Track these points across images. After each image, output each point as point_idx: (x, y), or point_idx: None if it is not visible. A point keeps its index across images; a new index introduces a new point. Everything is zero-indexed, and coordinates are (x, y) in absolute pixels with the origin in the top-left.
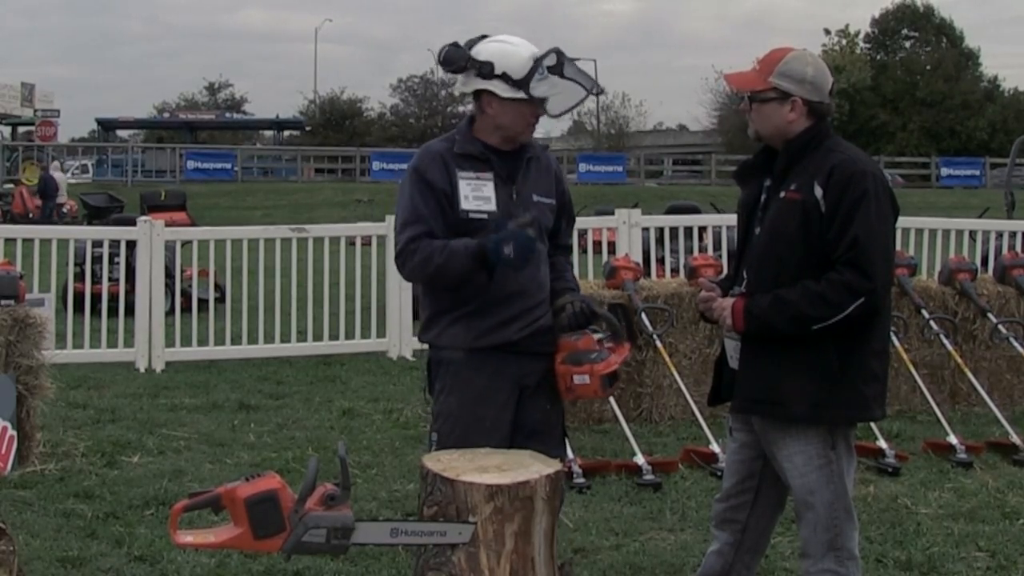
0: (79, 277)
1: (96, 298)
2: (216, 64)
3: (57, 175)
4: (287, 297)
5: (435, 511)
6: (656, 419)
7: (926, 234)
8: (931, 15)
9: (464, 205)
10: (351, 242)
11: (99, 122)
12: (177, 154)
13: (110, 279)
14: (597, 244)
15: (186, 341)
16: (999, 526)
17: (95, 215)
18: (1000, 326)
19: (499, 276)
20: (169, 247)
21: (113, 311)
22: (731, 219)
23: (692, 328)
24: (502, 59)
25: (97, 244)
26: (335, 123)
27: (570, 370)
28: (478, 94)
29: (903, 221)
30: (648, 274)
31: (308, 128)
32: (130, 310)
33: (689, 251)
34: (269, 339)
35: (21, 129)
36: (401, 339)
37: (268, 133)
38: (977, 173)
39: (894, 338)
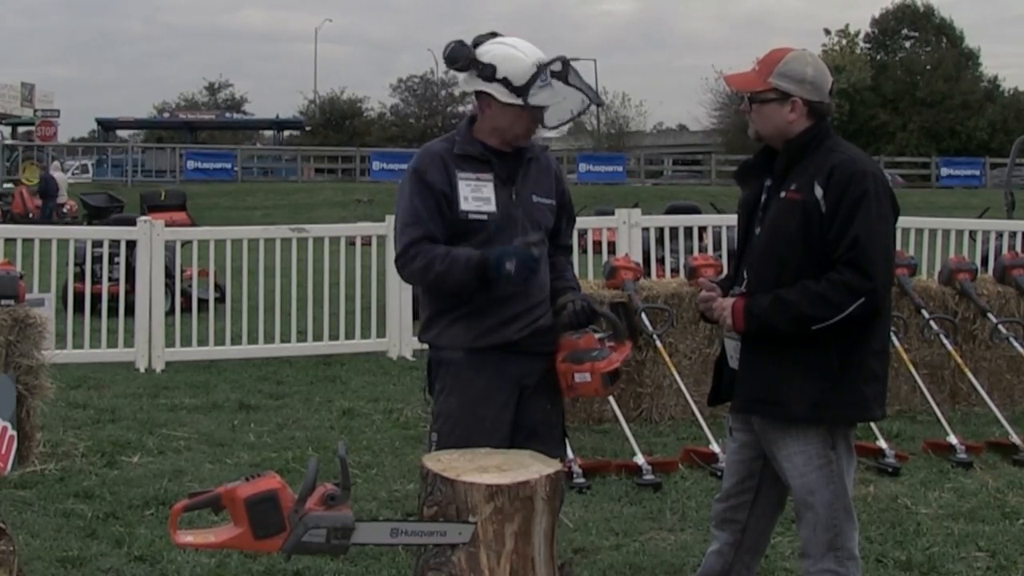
0: (79, 277)
1: (96, 298)
2: (216, 64)
3: (57, 175)
4: (287, 297)
5: (435, 511)
6: (656, 419)
7: (926, 234)
8: (931, 15)
9: (464, 206)
10: (351, 242)
11: (99, 122)
12: (177, 154)
13: (110, 279)
14: (597, 244)
15: (186, 341)
16: (999, 526)
17: (95, 215)
18: (1000, 326)
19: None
20: (169, 247)
21: (113, 311)
22: (731, 219)
23: (692, 328)
24: (504, 63)
25: (97, 244)
26: (335, 123)
27: (571, 368)
28: (479, 94)
29: (903, 221)
30: (648, 274)
31: (308, 128)
32: (130, 310)
33: (689, 251)
34: (269, 339)
35: (21, 129)
36: (401, 339)
37: (268, 133)
38: (977, 173)
39: (894, 338)
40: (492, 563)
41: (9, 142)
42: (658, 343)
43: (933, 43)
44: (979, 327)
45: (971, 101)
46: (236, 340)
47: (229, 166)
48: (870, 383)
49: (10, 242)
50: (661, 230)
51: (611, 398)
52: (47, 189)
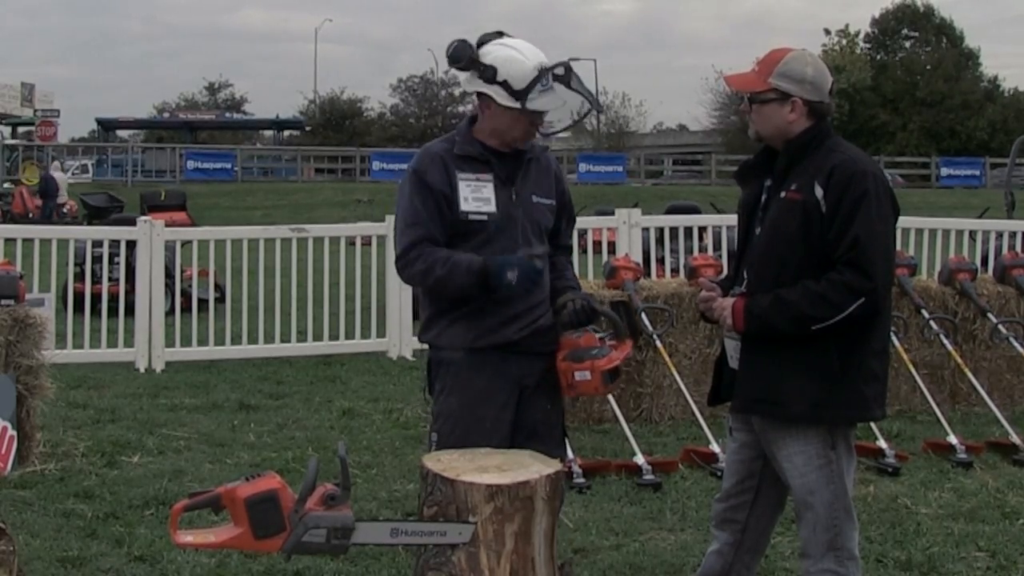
0: (79, 277)
1: (96, 298)
2: (216, 64)
3: (57, 175)
4: (287, 297)
5: (435, 511)
6: (656, 419)
7: (926, 234)
8: (931, 15)
9: (464, 207)
10: (351, 242)
11: (99, 122)
12: (177, 154)
13: (110, 279)
14: (597, 244)
15: (186, 341)
16: (999, 526)
17: (95, 215)
18: (1000, 326)
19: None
20: (169, 247)
21: (113, 311)
22: (731, 219)
23: (692, 328)
24: (505, 66)
25: (97, 244)
26: (335, 123)
27: (571, 367)
28: (480, 95)
29: (903, 221)
30: (648, 274)
31: (308, 128)
32: (130, 310)
33: (689, 251)
34: (269, 339)
35: (21, 129)
36: (401, 339)
37: (268, 133)
38: (977, 173)
39: (894, 338)
40: (492, 563)
41: (9, 142)
42: (658, 343)
43: (933, 43)
44: (979, 327)
45: (971, 101)
46: (236, 340)
47: (229, 166)
48: (870, 383)
49: (10, 242)
50: (661, 230)
51: (611, 398)
52: (47, 189)
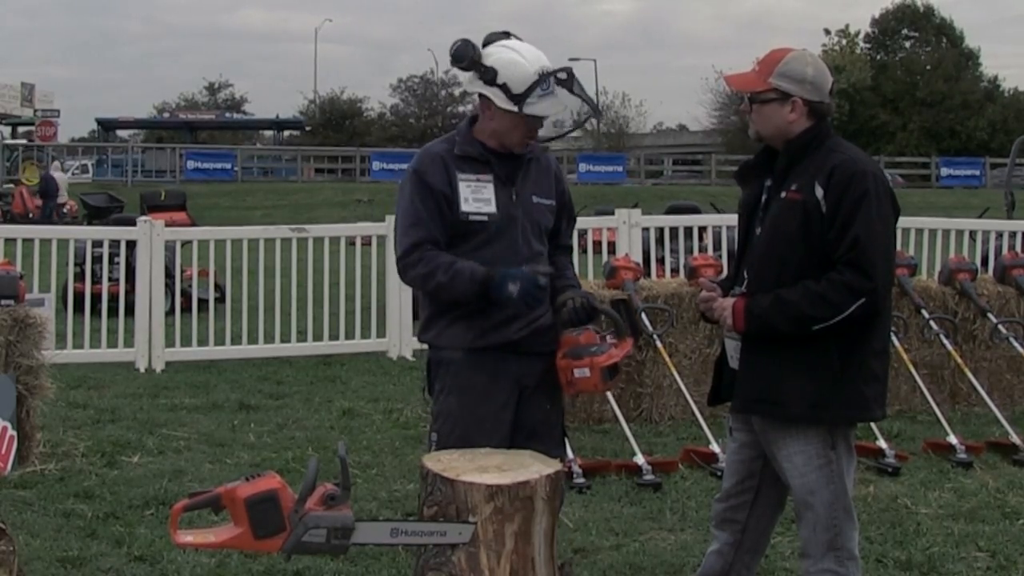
0: (79, 277)
1: (96, 298)
2: (216, 64)
3: (57, 175)
4: (287, 297)
5: (435, 511)
6: (656, 419)
7: (926, 234)
8: (931, 15)
9: (464, 207)
10: (351, 242)
11: (99, 122)
12: (177, 154)
13: (110, 279)
14: (597, 244)
15: (186, 341)
16: (999, 526)
17: (95, 215)
18: (1000, 326)
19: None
20: (169, 247)
21: (113, 311)
22: (731, 219)
23: (692, 328)
24: (505, 69)
25: (97, 244)
26: (335, 123)
27: (571, 364)
28: (481, 96)
29: (903, 221)
30: (648, 274)
31: (308, 128)
32: (130, 310)
33: (689, 251)
34: (269, 339)
35: (21, 129)
36: (401, 339)
37: (268, 133)
38: (977, 173)
39: (894, 338)
40: (492, 563)
41: (9, 142)
42: (658, 343)
43: (933, 43)
44: (979, 327)
45: (971, 101)
46: (236, 340)
47: (229, 166)
48: (870, 383)
49: (10, 242)
50: (661, 230)
51: (611, 398)
52: (47, 189)
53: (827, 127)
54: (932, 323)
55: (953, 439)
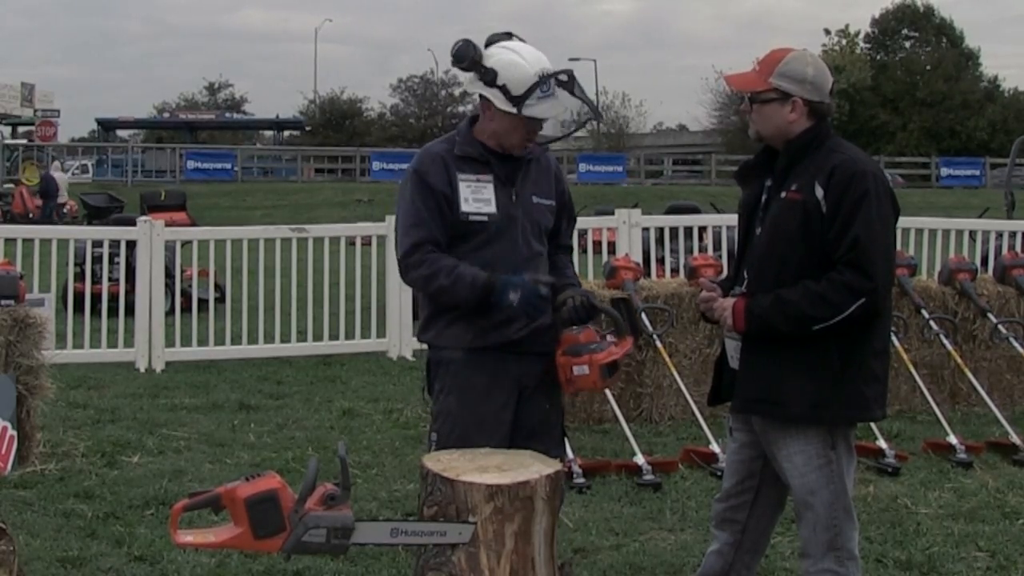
0: (79, 277)
1: (96, 298)
2: (216, 64)
3: (58, 175)
4: (287, 297)
5: (435, 511)
6: (656, 419)
7: (926, 234)
8: (931, 15)
9: (464, 207)
10: (351, 242)
11: (99, 122)
12: (177, 154)
13: (110, 279)
14: (597, 244)
15: (186, 341)
16: (999, 526)
17: (95, 215)
18: (1000, 326)
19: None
20: (169, 247)
21: (113, 311)
22: (731, 219)
23: (692, 328)
24: (505, 70)
25: (97, 244)
26: (335, 123)
27: (570, 361)
28: (481, 96)
29: (903, 221)
30: (648, 274)
31: (308, 128)
32: (130, 310)
33: (689, 251)
34: (269, 339)
35: (21, 129)
36: (401, 339)
37: (268, 133)
38: (977, 173)
39: (894, 338)
40: (492, 563)
41: (9, 142)
42: (658, 343)
43: (933, 43)
44: (979, 327)
45: (971, 101)
46: (236, 340)
47: (229, 166)
48: (870, 383)
49: (10, 242)
50: (661, 230)
51: (611, 398)
52: (47, 189)
53: (827, 127)
54: (932, 323)
55: (953, 439)
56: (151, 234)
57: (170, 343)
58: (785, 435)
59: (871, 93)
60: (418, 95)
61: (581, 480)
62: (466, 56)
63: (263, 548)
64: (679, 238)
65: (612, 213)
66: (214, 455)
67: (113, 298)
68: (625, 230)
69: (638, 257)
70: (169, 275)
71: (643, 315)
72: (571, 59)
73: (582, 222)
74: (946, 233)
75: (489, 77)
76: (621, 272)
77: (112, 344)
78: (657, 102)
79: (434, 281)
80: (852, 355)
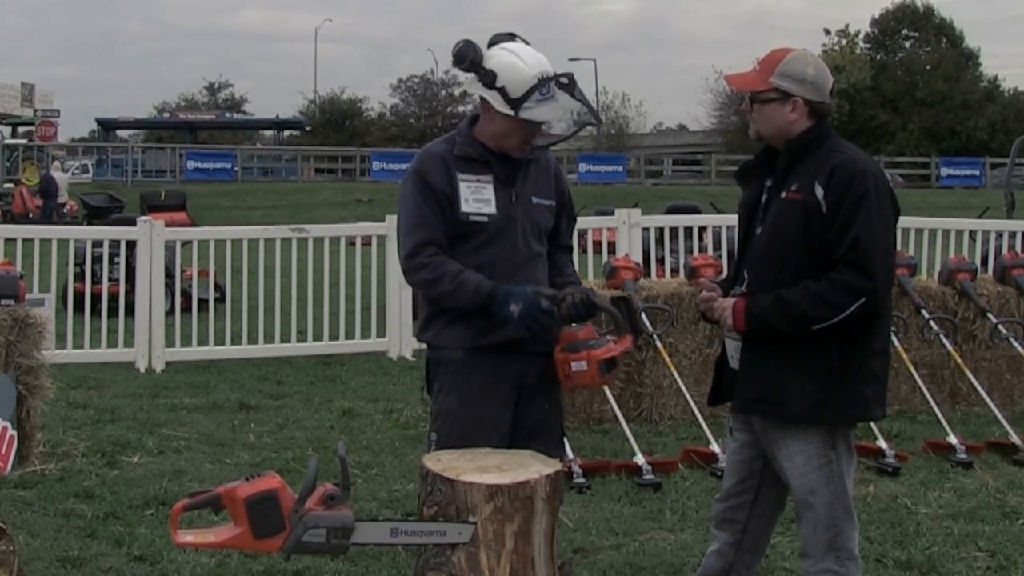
0: (79, 277)
1: (96, 298)
2: (216, 64)
3: (58, 175)
4: (287, 297)
5: (435, 511)
6: (656, 419)
7: (926, 234)
8: (931, 15)
9: (464, 208)
10: (351, 242)
11: (99, 122)
12: (177, 154)
13: (110, 279)
14: (597, 244)
15: (186, 341)
16: (999, 526)
17: (95, 215)
18: (1000, 326)
19: (496, 278)
20: (169, 247)
21: (113, 311)
22: (731, 219)
23: (692, 328)
24: (505, 72)
25: (97, 244)
26: (335, 123)
27: (568, 357)
28: (481, 97)
29: (903, 221)
30: (648, 274)
31: (308, 128)
32: (130, 310)
33: (689, 251)
34: (269, 339)
35: (21, 129)
36: (401, 339)
37: (268, 133)
38: (977, 173)
39: (894, 338)
40: (492, 563)
41: (9, 142)
42: (658, 343)
43: (933, 43)
44: (979, 327)
45: (971, 101)
46: (236, 340)
47: (229, 166)
48: (870, 383)
49: (10, 242)
50: (661, 230)
51: (611, 397)
52: (47, 189)
53: (827, 127)
54: (932, 323)
55: (953, 439)
56: (151, 234)
57: (170, 343)
58: (785, 435)
59: (871, 93)
60: (418, 95)
61: (581, 480)
62: (466, 57)
63: (263, 548)
64: (679, 238)
65: (612, 213)
66: (214, 455)
67: (113, 298)
68: (625, 230)
69: (638, 257)
70: (169, 275)
71: (643, 315)
72: (571, 59)
73: (582, 222)
74: (946, 233)
75: (488, 79)
76: (621, 272)
77: (112, 344)
78: (657, 102)
79: (438, 286)
80: (852, 355)
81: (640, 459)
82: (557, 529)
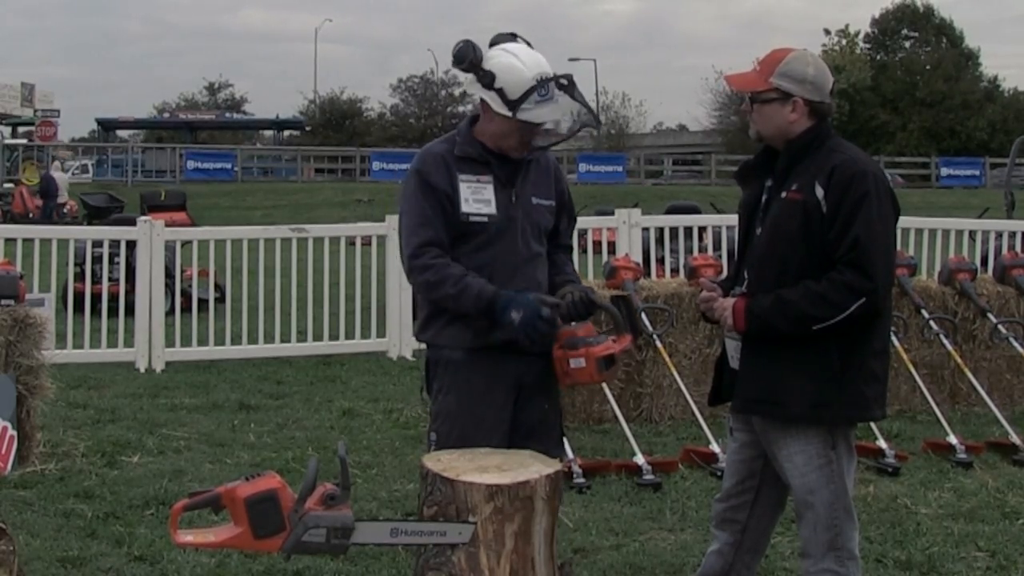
0: (79, 277)
1: (96, 298)
2: (216, 64)
3: (58, 175)
4: (287, 297)
5: (435, 511)
6: (656, 419)
7: (926, 234)
8: (931, 15)
9: (464, 208)
10: (351, 242)
11: (99, 122)
12: (177, 154)
13: (110, 279)
14: (597, 244)
15: (186, 341)
16: (999, 526)
17: (95, 215)
18: (1000, 326)
19: (496, 278)
20: (169, 247)
21: (113, 311)
22: (731, 219)
23: (692, 328)
24: (503, 73)
25: (97, 244)
26: (335, 123)
27: (566, 354)
28: (480, 97)
29: (903, 221)
30: (648, 274)
31: (308, 128)
32: (130, 310)
33: (689, 251)
34: (269, 339)
35: (21, 129)
36: (401, 339)
37: (268, 133)
38: (977, 173)
39: (894, 338)
40: (492, 563)
41: (9, 142)
42: (658, 343)
43: (933, 43)
44: (979, 327)
45: (971, 101)
46: (236, 340)
47: (229, 166)
48: (870, 383)
49: (10, 242)
50: (661, 230)
51: (611, 397)
52: (47, 189)
53: (828, 127)
54: (932, 323)
55: (953, 439)
56: (151, 234)
57: (170, 343)
58: (785, 435)
59: (871, 93)
60: (418, 95)
61: (581, 480)
62: (466, 57)
63: (263, 548)
64: (679, 238)
65: (612, 213)
66: (214, 455)
67: (113, 298)
68: (625, 230)
69: (638, 257)
70: (169, 275)
71: (643, 315)
72: (571, 59)
73: (582, 222)
74: (946, 233)
75: (487, 80)
76: (621, 272)
77: (112, 344)
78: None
79: (441, 288)
80: (852, 355)
81: (640, 459)
82: (557, 529)
